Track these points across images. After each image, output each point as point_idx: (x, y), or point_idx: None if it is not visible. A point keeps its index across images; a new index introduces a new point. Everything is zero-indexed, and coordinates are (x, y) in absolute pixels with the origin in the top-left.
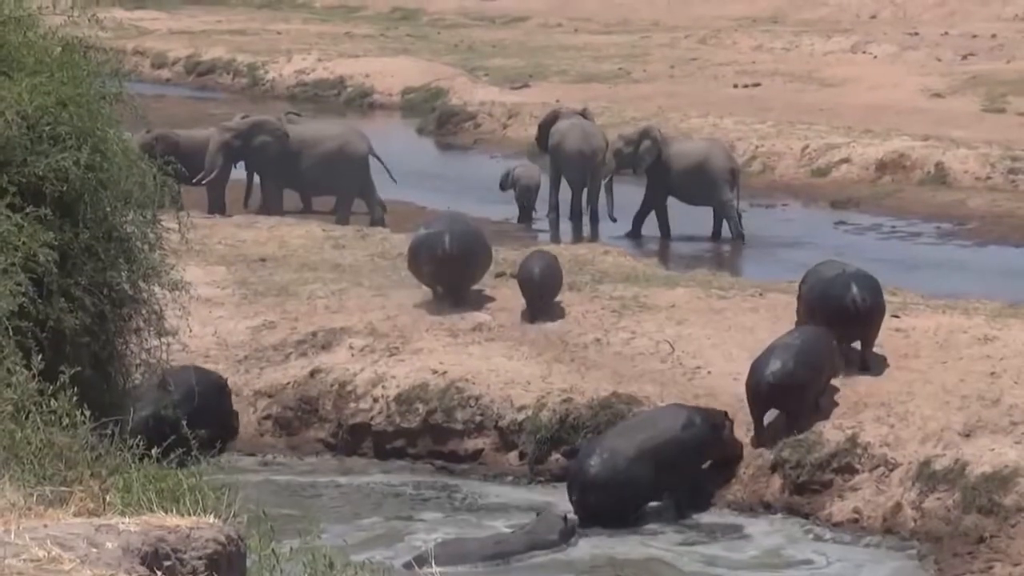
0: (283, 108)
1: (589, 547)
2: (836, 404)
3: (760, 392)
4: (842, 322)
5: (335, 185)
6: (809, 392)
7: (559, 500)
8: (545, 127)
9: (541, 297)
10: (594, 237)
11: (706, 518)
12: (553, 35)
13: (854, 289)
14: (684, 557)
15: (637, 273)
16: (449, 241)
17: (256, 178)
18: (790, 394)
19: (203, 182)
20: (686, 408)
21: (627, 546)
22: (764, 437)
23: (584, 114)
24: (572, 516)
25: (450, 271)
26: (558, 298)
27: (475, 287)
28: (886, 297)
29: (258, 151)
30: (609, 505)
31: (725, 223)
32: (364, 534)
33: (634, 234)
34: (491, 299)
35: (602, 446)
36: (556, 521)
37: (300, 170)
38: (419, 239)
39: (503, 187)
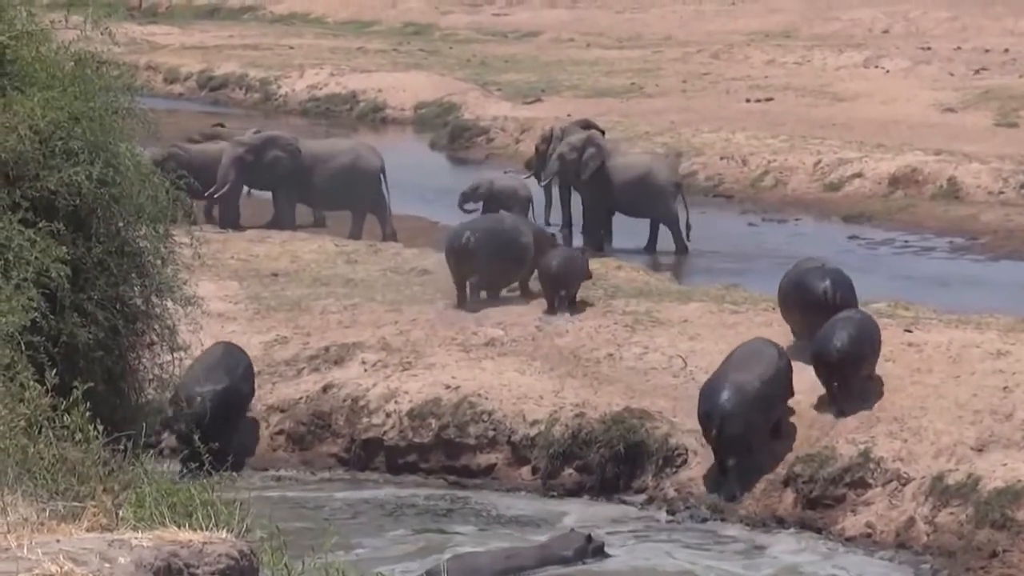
0: (295, 123)
1: (612, 560)
2: (848, 419)
3: (829, 362)
4: (813, 312)
5: (347, 200)
6: (869, 364)
7: (577, 513)
8: (543, 145)
9: (559, 289)
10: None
11: (725, 532)
12: (565, 50)
13: (826, 282)
14: (712, 573)
15: (650, 288)
16: (468, 236)
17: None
18: (854, 364)
19: (215, 196)
20: (770, 342)
21: (650, 559)
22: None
23: (595, 127)
24: (598, 536)
25: (467, 265)
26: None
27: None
28: (899, 312)
29: (270, 166)
30: (745, 434)
31: (670, 235)
32: (406, 547)
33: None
34: (503, 313)
35: (729, 380)
36: (576, 538)
37: (312, 185)
38: (448, 235)
39: (471, 199)
